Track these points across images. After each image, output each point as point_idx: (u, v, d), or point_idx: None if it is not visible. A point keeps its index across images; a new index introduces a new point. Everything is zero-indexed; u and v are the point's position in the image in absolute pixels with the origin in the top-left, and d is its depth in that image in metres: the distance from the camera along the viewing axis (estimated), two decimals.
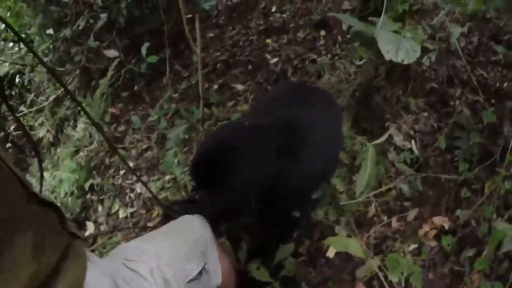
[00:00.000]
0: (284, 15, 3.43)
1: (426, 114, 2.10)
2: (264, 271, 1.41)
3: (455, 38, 1.72)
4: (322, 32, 3.01)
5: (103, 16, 2.14)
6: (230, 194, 1.35)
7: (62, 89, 2.30)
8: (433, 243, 1.67)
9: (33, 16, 2.26)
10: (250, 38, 3.27)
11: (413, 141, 2.00)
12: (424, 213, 1.75)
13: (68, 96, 2.22)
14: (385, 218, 1.82)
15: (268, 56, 2.96)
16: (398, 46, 1.19)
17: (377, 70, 2.01)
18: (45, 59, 2.32)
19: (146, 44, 1.90)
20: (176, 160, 1.93)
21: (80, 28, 2.14)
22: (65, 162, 2.38)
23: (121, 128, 2.54)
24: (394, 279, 1.43)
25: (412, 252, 1.72)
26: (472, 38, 2.24)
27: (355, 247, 1.33)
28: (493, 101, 2.00)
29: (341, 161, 2.00)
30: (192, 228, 1.18)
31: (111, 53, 1.96)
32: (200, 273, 1.06)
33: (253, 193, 1.35)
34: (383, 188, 1.84)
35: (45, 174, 2.35)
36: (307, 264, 1.79)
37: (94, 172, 2.27)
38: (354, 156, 2.04)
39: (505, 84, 2.03)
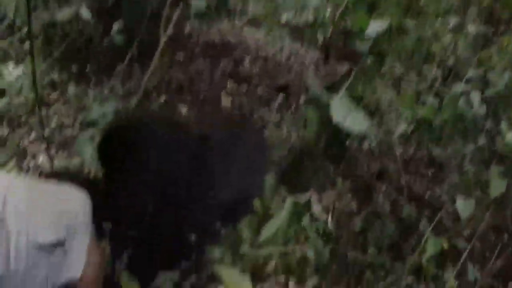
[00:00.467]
0: (254, 69, 3.57)
1: (349, 195, 2.19)
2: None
3: (396, 135, 1.88)
4: (280, 95, 3.14)
5: None
6: (130, 187, 1.26)
7: None
8: None
9: None
10: (214, 73, 3.33)
11: (330, 216, 2.05)
12: (322, 286, 1.73)
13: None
14: (282, 279, 1.78)
15: (223, 94, 3.03)
16: (350, 113, 1.27)
17: (318, 140, 2.11)
18: None
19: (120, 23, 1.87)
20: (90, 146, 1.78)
21: None
22: None
23: (55, 95, 2.33)
24: None
25: None
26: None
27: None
28: (413, 203, 2.15)
29: (254, 210, 1.97)
30: (71, 199, 1.06)
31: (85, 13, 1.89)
32: (54, 246, 0.92)
33: (152, 194, 1.27)
34: (289, 249, 1.82)
35: None
36: None
37: (5, 122, 2.02)
38: (269, 208, 2.03)
39: (427, 193, 2.21)
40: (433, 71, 2.47)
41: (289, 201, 1.33)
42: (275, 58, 3.88)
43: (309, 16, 3.50)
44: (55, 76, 2.26)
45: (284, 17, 4.00)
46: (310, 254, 1.79)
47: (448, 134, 1.77)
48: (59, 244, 0.93)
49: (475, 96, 1.68)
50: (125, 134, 1.27)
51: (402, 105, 1.87)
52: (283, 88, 3.18)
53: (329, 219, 2.01)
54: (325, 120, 1.92)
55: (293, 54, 3.96)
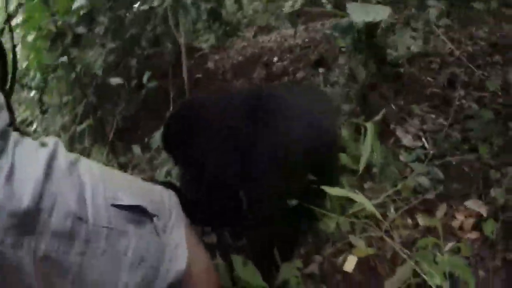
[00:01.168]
0: (285, 63, 3.59)
1: (432, 115, 2.00)
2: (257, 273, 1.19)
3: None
4: (320, 69, 3.07)
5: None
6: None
7: None
8: (474, 235, 1.40)
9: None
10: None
11: (423, 139, 1.87)
12: (453, 205, 1.54)
13: None
14: (409, 219, 1.62)
15: None
16: (367, 10, 1.21)
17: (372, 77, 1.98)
18: None
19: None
20: None
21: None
22: None
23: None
24: (436, 282, 1.20)
25: (451, 252, 1.47)
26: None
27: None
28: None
29: (348, 168, 1.85)
30: (158, 189, 1.00)
31: (115, 80, 2.05)
32: (139, 213, 0.84)
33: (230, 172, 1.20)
34: (399, 187, 1.67)
35: None
36: (320, 282, 1.54)
37: None
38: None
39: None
40: None
41: (368, 124, 1.23)
42: (299, 43, 3.92)
43: None
44: None
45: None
46: (423, 180, 1.62)
47: None
48: (145, 215, 0.85)
49: None
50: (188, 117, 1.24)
51: None
52: (319, 61, 3.14)
53: (424, 142, 1.84)
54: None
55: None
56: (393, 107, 2.09)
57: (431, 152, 1.74)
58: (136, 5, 2.58)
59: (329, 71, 2.89)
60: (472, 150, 1.72)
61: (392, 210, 1.63)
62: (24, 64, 2.49)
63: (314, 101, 1.40)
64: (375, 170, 1.82)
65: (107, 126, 2.35)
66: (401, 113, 2.06)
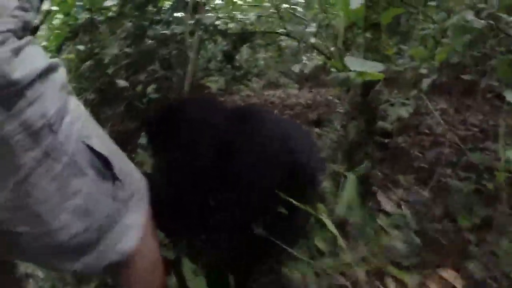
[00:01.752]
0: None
1: (417, 188, 2.00)
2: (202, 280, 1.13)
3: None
4: (316, 129, 3.14)
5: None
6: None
7: None
8: None
9: None
10: None
11: (404, 207, 1.86)
12: (427, 274, 1.49)
13: None
14: (379, 284, 1.55)
15: None
16: (364, 64, 1.29)
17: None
18: None
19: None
20: None
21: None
22: None
23: None
24: None
25: None
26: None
27: None
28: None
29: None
30: (130, 164, 0.98)
31: (122, 82, 2.10)
32: (108, 167, 0.82)
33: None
34: (373, 247, 1.62)
35: None
36: None
37: None
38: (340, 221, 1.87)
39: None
40: None
41: (349, 174, 1.22)
42: (302, 102, 4.04)
43: None
44: None
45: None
46: (399, 245, 1.58)
47: None
48: (109, 169, 0.83)
49: None
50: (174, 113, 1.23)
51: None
52: (317, 122, 3.22)
53: (404, 210, 1.82)
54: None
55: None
56: (378, 173, 2.10)
57: (410, 221, 1.72)
58: (159, 26, 2.73)
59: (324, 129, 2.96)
60: (452, 221, 1.70)
61: (362, 272, 1.57)
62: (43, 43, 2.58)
63: (298, 134, 1.41)
64: (349, 228, 1.79)
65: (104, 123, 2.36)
66: (385, 180, 2.06)
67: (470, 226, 1.62)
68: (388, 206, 1.88)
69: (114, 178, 0.84)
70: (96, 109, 2.52)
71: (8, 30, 0.65)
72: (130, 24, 2.33)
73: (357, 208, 1.59)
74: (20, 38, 0.68)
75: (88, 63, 2.32)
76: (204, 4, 2.90)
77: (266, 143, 1.21)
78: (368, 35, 1.68)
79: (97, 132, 0.84)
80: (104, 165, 0.81)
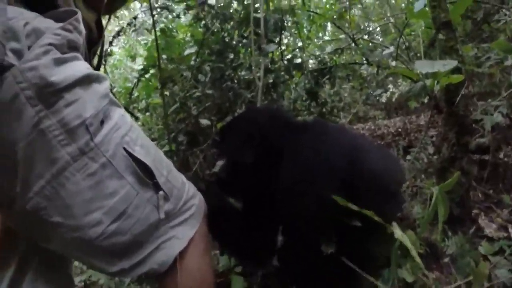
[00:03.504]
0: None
1: None
2: None
3: None
4: (409, 157, 2.93)
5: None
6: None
7: None
8: None
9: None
10: None
11: (510, 229, 1.58)
12: None
13: None
14: None
15: None
16: (434, 64, 1.19)
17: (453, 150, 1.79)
18: None
19: None
20: None
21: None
22: None
23: None
24: None
25: None
26: None
27: None
28: None
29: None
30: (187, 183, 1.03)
31: (205, 121, 2.28)
32: (149, 177, 0.87)
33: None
34: (470, 278, 1.38)
35: None
36: None
37: None
38: (432, 246, 1.65)
39: None
40: None
41: (437, 188, 1.09)
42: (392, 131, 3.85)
43: None
44: None
45: None
46: (502, 272, 1.32)
47: None
48: (150, 179, 0.87)
49: None
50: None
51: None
52: (407, 148, 3.01)
53: (511, 232, 1.54)
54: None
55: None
56: (479, 194, 1.85)
57: None
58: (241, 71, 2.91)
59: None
60: None
61: None
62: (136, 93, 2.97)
63: (369, 145, 1.30)
64: (446, 260, 1.58)
65: (191, 160, 2.54)
66: (487, 201, 1.80)
67: None
68: (491, 230, 1.62)
69: (157, 187, 0.87)
70: (186, 148, 2.72)
71: (50, 44, 0.76)
72: (208, 68, 2.52)
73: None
74: (64, 53, 0.79)
75: (174, 106, 2.54)
76: (279, 44, 3.02)
77: (330, 151, 1.13)
78: (441, 36, 1.55)
79: (142, 142, 0.90)
80: (145, 173, 0.85)
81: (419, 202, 1.86)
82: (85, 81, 0.81)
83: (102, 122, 0.81)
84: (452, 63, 1.12)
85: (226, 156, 1.28)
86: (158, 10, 2.70)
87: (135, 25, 2.43)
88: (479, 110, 1.67)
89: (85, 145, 0.78)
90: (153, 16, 1.98)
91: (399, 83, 4.52)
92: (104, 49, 2.03)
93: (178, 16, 2.63)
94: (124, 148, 0.83)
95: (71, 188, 0.77)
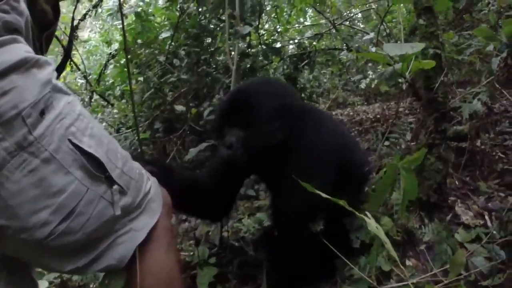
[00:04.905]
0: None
1: (501, 194, 1.71)
2: None
3: None
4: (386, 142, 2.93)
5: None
6: None
7: None
8: None
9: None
10: None
11: (487, 218, 1.58)
12: None
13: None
14: None
15: None
16: (402, 47, 1.16)
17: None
18: None
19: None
20: None
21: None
22: None
23: None
24: None
25: None
26: None
27: None
28: None
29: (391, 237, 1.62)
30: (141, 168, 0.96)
31: (180, 107, 2.21)
32: (98, 169, 0.79)
33: None
34: (447, 266, 1.38)
35: None
36: None
37: None
38: (409, 234, 1.65)
39: None
40: None
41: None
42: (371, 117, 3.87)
43: None
44: None
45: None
46: (478, 260, 1.32)
47: None
48: (102, 173, 0.79)
49: None
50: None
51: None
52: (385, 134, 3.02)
53: (487, 220, 1.55)
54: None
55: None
56: (456, 181, 1.85)
57: (494, 232, 1.46)
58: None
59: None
60: None
61: None
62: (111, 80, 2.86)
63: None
64: (423, 247, 1.58)
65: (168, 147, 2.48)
66: (463, 189, 1.80)
67: None
68: (467, 217, 1.63)
69: (110, 181, 0.80)
70: (163, 136, 2.64)
71: None
72: (184, 52, 2.43)
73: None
74: (0, 36, 0.70)
75: (148, 93, 2.44)
76: (257, 28, 2.94)
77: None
78: (421, 21, 1.51)
79: (93, 132, 0.81)
80: (95, 167, 0.78)
81: (396, 189, 1.84)
82: (22, 66, 0.72)
83: (42, 113, 0.72)
84: (420, 46, 1.08)
85: (255, 128, 1.25)
86: None
87: (100, 7, 2.31)
88: (458, 98, 1.66)
89: (23, 139, 0.70)
90: (120, 1, 1.88)
91: (379, 69, 4.51)
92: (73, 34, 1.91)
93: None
94: (70, 140, 0.75)
95: (12, 187, 0.69)
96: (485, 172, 1.87)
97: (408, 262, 1.58)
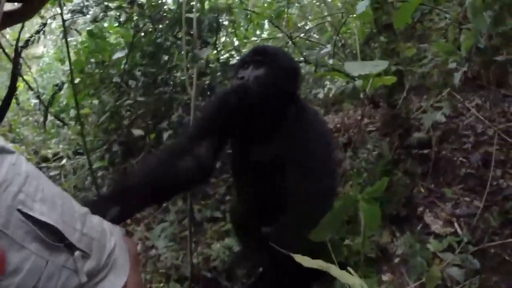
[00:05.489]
0: None
1: (467, 198, 1.75)
2: None
3: None
4: (348, 153, 2.95)
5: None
6: None
7: None
8: None
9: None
10: None
11: (456, 225, 1.61)
12: None
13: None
14: None
15: None
16: (364, 66, 1.15)
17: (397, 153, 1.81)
18: None
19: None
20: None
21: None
22: None
23: None
24: None
25: None
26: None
27: None
28: None
29: (367, 253, 1.60)
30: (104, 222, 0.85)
31: (137, 132, 2.09)
32: (55, 237, 0.68)
33: None
34: (423, 279, 1.38)
35: None
36: None
37: None
38: (382, 250, 1.64)
39: None
40: None
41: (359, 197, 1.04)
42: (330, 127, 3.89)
43: None
44: None
45: None
46: (453, 271, 1.33)
47: None
48: (61, 241, 0.69)
49: None
50: None
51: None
52: (348, 145, 3.05)
53: (457, 227, 1.57)
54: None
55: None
56: (421, 189, 1.87)
57: (465, 239, 1.47)
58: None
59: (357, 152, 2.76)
60: None
61: None
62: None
63: None
64: (396, 261, 1.58)
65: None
66: (430, 197, 1.83)
67: None
68: (436, 226, 1.64)
69: (71, 248, 0.70)
70: (122, 160, 2.51)
71: None
72: (139, 73, 2.32)
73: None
74: None
75: (104, 116, 2.31)
76: (215, 44, 2.89)
77: None
78: (382, 38, 1.53)
79: (44, 195, 0.71)
80: (52, 236, 0.68)
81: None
82: None
83: None
84: (383, 64, 1.07)
85: (270, 69, 1.28)
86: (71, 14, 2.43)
87: (44, 33, 2.15)
88: (420, 110, 1.68)
89: None
90: (63, 21, 1.76)
91: (336, 79, 4.59)
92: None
93: (95, 20, 2.38)
94: (20, 210, 0.65)
95: None
96: (448, 178, 1.91)
97: (384, 277, 1.57)
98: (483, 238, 1.47)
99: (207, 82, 2.84)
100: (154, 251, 2.04)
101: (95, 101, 2.36)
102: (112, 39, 2.67)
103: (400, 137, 1.58)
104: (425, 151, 2.02)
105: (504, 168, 1.73)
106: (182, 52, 2.61)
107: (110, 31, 2.65)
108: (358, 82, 1.16)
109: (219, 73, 2.92)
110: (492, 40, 1.33)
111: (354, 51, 3.61)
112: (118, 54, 2.25)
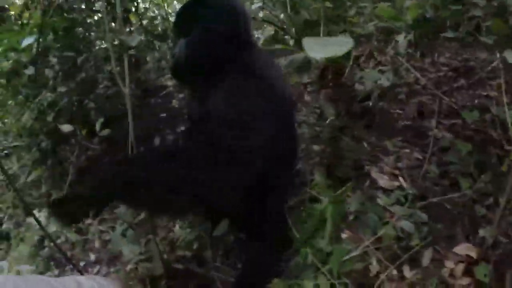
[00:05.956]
0: None
1: (407, 150, 1.89)
2: None
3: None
4: None
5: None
6: None
7: None
8: (466, 281, 1.28)
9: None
10: None
11: (401, 178, 1.75)
12: (441, 250, 1.40)
13: None
14: (395, 271, 1.46)
15: None
16: (325, 44, 1.03)
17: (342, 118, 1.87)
18: None
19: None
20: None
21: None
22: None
23: None
24: None
25: None
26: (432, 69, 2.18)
27: None
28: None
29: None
30: None
31: (66, 127, 1.91)
32: None
33: None
34: (380, 234, 1.52)
35: None
36: None
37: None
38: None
39: (476, 101, 1.89)
40: None
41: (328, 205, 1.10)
42: None
43: None
44: None
45: None
46: (405, 224, 1.47)
47: None
48: None
49: None
50: None
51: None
52: None
53: (402, 182, 1.71)
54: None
55: None
56: (366, 145, 1.98)
57: (411, 192, 1.61)
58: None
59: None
60: (454, 185, 1.60)
61: (374, 262, 1.47)
62: None
63: None
64: (351, 218, 1.69)
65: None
66: (374, 151, 1.94)
67: (473, 189, 1.52)
68: (383, 181, 1.77)
69: None
70: (57, 157, 2.31)
71: None
72: (55, 59, 2.07)
73: None
74: None
75: (27, 114, 2.08)
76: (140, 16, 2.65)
77: None
78: (328, 3, 1.49)
79: None
80: None
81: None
82: None
83: None
84: (348, 44, 0.99)
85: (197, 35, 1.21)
86: None
87: None
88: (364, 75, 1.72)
89: None
90: None
91: (264, 28, 4.45)
92: None
93: None
94: None
95: None
96: (388, 131, 2.03)
97: (343, 235, 1.69)
98: (426, 189, 1.61)
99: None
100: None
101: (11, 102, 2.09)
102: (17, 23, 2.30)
103: (346, 104, 1.63)
104: (368, 103, 2.09)
105: (438, 118, 1.88)
106: (103, 26, 2.36)
107: (13, 11, 2.29)
108: (317, 56, 1.07)
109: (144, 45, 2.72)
110: (439, 12, 1.35)
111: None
112: (28, 41, 1.97)
